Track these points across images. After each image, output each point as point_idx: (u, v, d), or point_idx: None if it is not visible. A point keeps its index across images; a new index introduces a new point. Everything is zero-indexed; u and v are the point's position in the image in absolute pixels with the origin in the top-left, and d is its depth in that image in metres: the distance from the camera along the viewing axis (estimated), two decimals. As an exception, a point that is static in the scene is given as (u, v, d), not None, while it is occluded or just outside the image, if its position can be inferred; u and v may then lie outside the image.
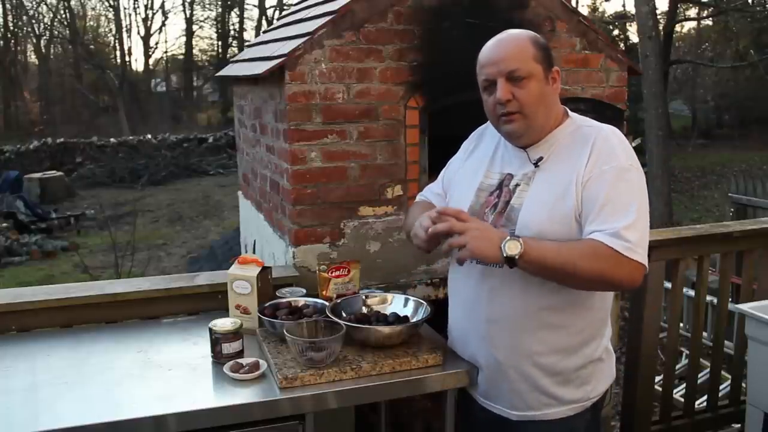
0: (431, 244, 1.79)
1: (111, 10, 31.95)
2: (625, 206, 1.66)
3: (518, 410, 1.83)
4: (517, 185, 1.80)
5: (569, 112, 1.86)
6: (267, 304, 2.14)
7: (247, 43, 18.52)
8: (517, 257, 1.62)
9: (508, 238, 1.64)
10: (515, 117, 1.75)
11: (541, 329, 1.77)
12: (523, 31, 1.82)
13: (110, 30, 33.11)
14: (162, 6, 43.38)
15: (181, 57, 32.90)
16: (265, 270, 2.23)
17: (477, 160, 1.95)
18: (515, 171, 1.83)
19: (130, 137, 20.86)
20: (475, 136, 2.03)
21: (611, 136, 1.76)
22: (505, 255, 1.62)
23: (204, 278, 2.53)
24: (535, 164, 1.79)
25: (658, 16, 11.62)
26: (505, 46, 1.77)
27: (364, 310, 2.11)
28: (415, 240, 1.84)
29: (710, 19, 20.50)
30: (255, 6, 33.27)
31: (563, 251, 1.65)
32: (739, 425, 3.25)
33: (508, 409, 1.85)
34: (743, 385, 3.21)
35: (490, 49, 1.79)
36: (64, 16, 30.71)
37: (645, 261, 1.66)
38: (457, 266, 1.91)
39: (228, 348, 1.94)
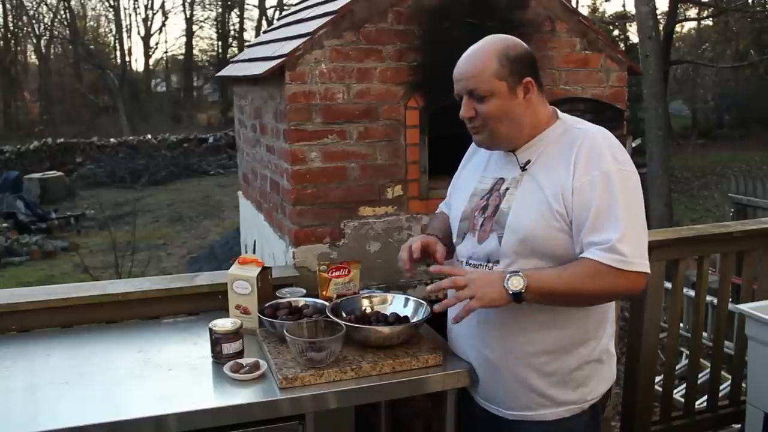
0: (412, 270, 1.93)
1: (111, 10, 31.98)
2: (616, 214, 1.65)
3: (514, 410, 1.83)
4: (507, 189, 1.81)
5: (559, 113, 1.86)
6: (267, 304, 2.14)
7: (247, 43, 18.55)
8: (522, 290, 1.64)
9: (508, 275, 1.66)
10: (479, 130, 1.79)
11: (532, 330, 1.77)
12: (493, 43, 1.78)
13: (110, 30, 33.19)
14: (162, 6, 43.36)
15: (181, 57, 32.92)
16: (265, 270, 2.23)
17: (474, 167, 1.97)
18: (506, 175, 1.83)
19: (130, 137, 20.86)
20: (474, 145, 2.04)
21: (598, 139, 1.74)
22: (510, 292, 1.64)
23: (204, 278, 2.54)
24: (523, 168, 1.80)
25: (658, 16, 11.60)
26: (467, 65, 1.77)
27: (364, 310, 2.11)
28: (399, 262, 1.95)
29: (710, 19, 20.52)
30: (255, 6, 33.27)
31: (565, 276, 1.67)
32: (739, 425, 3.24)
33: (504, 409, 1.85)
34: (743, 385, 3.21)
35: (458, 65, 1.80)
36: (64, 16, 30.76)
37: (645, 267, 1.67)
38: None
39: (228, 348, 1.94)
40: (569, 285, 1.66)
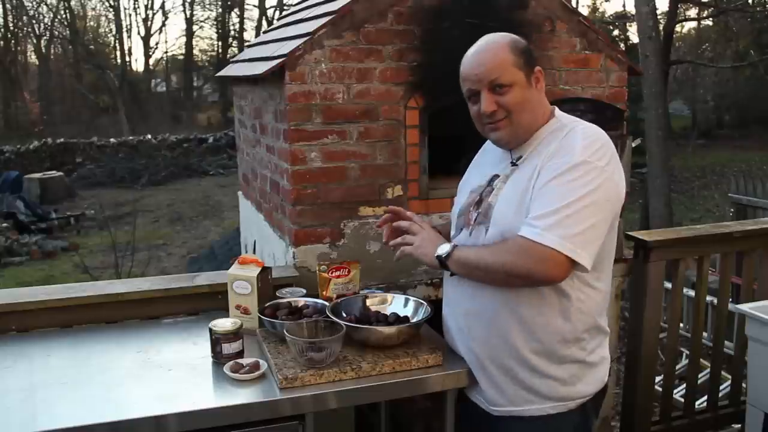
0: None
1: (111, 10, 31.95)
2: (552, 196, 1.66)
3: (498, 405, 1.84)
4: (498, 184, 1.84)
5: (556, 111, 1.87)
6: (267, 304, 2.14)
7: (247, 44, 18.50)
8: (443, 255, 1.80)
9: (443, 242, 1.85)
10: (502, 124, 1.79)
11: (519, 324, 1.77)
12: (501, 36, 1.82)
13: (110, 30, 33.14)
14: (162, 6, 43.33)
15: (181, 57, 32.90)
16: (265, 270, 2.23)
17: (479, 167, 2.01)
18: (500, 171, 1.87)
19: (130, 137, 20.84)
20: (482, 150, 2.07)
21: (578, 133, 1.75)
22: (436, 254, 1.82)
23: (204, 278, 2.53)
24: (513, 163, 1.83)
25: (658, 17, 11.58)
26: (483, 57, 1.78)
27: (364, 310, 2.11)
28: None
29: (710, 19, 20.48)
30: (255, 6, 33.15)
31: (480, 250, 1.78)
32: (739, 425, 3.24)
33: (489, 404, 1.86)
34: (743, 385, 3.21)
35: (469, 60, 1.80)
36: (64, 16, 30.73)
37: (563, 248, 1.62)
38: None
39: (228, 348, 1.94)
40: (478, 257, 1.76)
